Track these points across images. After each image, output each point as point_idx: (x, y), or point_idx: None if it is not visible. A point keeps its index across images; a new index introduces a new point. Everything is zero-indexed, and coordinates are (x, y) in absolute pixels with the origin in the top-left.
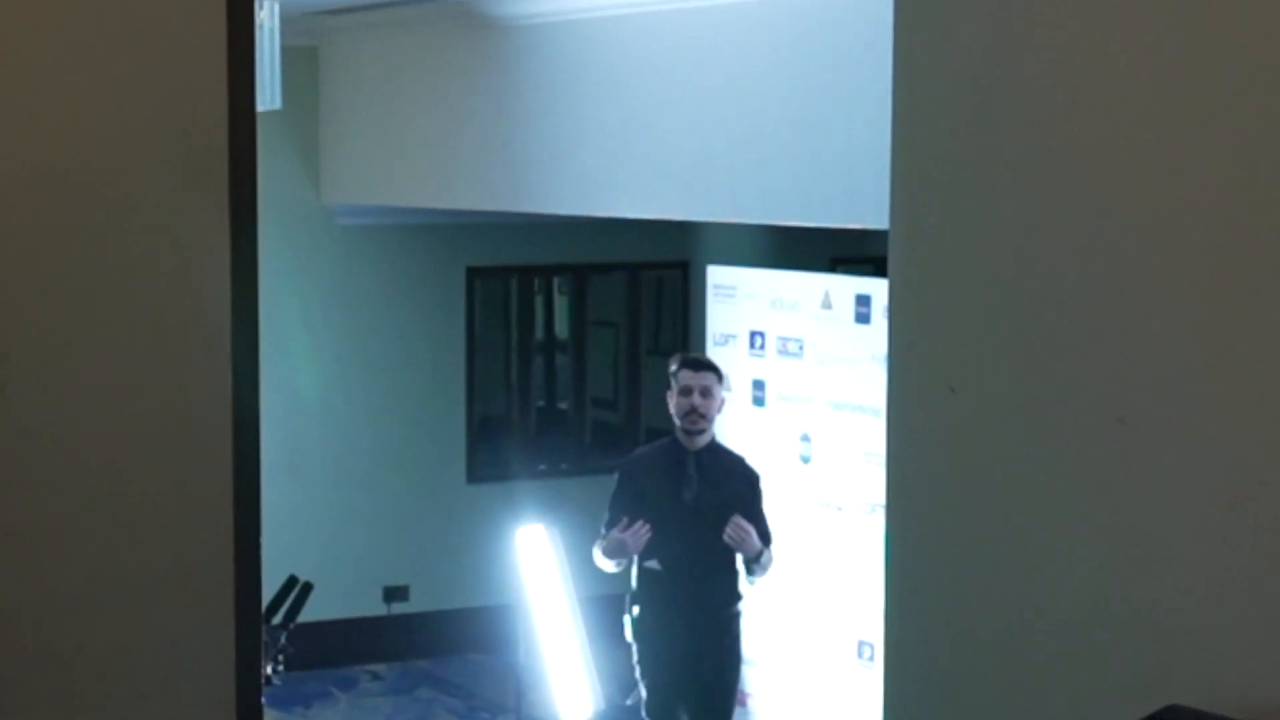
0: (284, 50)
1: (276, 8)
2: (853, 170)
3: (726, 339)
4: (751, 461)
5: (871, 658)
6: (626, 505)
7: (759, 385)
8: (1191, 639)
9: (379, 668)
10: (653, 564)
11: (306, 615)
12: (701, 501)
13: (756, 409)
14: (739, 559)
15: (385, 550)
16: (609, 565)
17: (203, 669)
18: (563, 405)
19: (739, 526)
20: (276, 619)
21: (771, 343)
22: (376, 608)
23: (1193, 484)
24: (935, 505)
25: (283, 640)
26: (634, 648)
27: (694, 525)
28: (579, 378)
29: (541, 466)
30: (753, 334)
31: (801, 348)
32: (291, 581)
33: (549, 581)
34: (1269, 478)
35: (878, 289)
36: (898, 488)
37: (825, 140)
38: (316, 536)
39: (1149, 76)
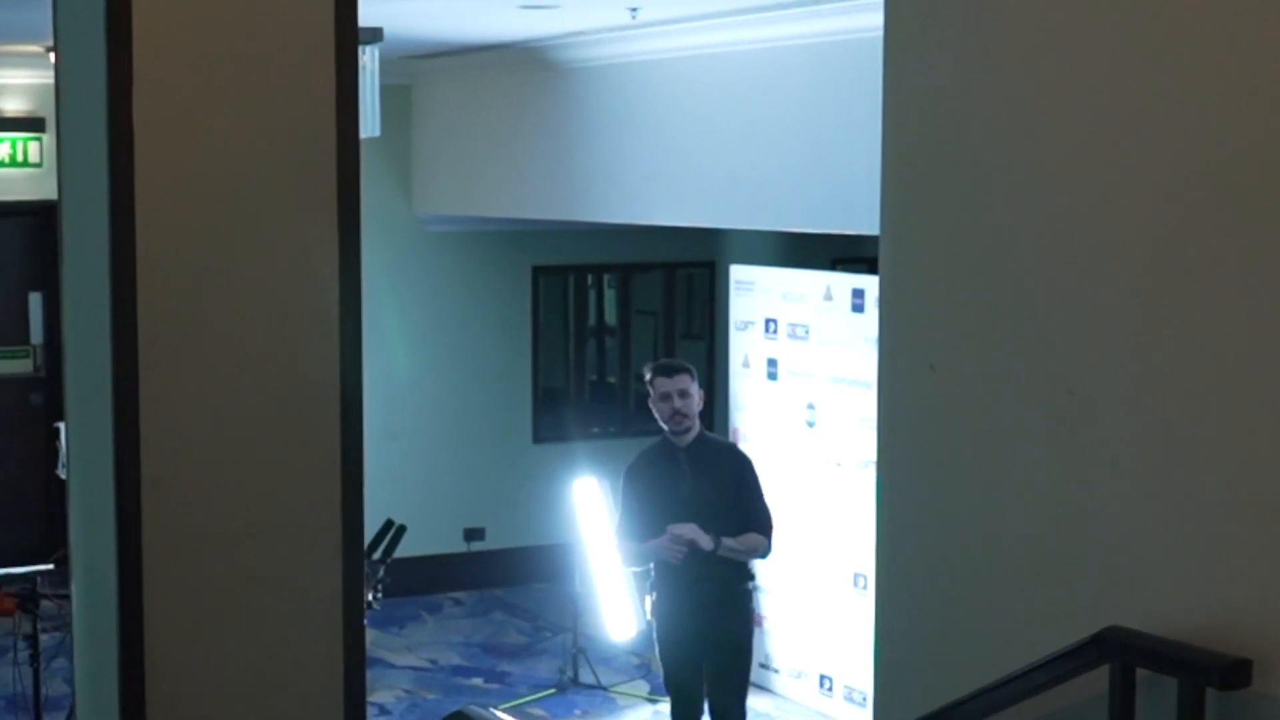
0: (382, 88)
1: (376, 53)
2: (849, 186)
3: (745, 325)
4: (741, 447)
5: (865, 586)
6: (634, 507)
7: (772, 363)
8: (1127, 572)
9: (460, 595)
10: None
11: (401, 552)
12: (697, 492)
13: (770, 383)
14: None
15: (465, 498)
16: (630, 567)
17: (316, 596)
18: (611, 379)
19: (678, 539)
20: (376, 555)
21: (783, 328)
22: (458, 546)
23: (1127, 441)
24: (917, 462)
25: (381, 573)
26: (654, 626)
27: (693, 515)
28: (624, 357)
29: (594, 429)
30: (767, 321)
31: (807, 332)
32: (388, 525)
33: (599, 524)
34: (1189, 435)
35: (870, 284)
36: (886, 447)
37: (827, 161)
38: (409, 488)
39: (1095, 109)
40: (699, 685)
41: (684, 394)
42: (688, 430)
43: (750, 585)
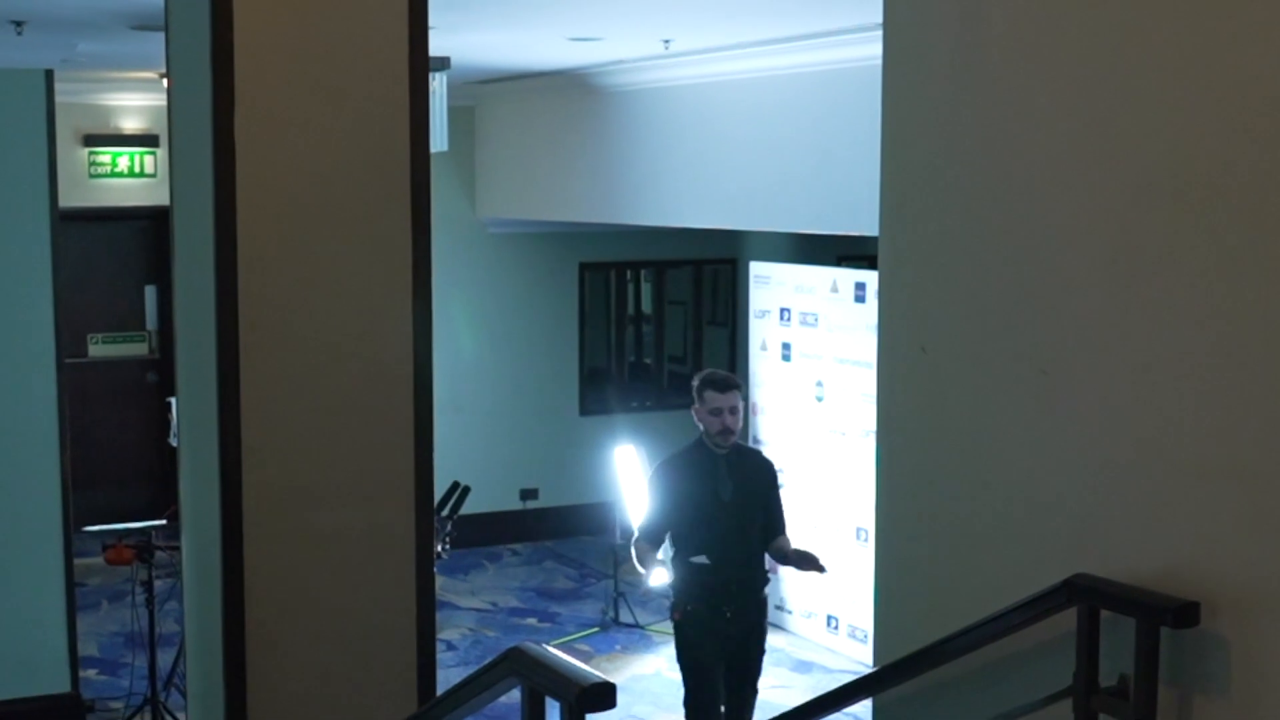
0: (450, 109)
1: (444, 79)
2: (852, 193)
3: (763, 313)
4: (767, 456)
5: (866, 539)
6: (668, 507)
7: (786, 347)
8: (1092, 527)
9: (517, 546)
10: (701, 559)
11: (466, 510)
12: (737, 498)
13: (785, 363)
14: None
15: (521, 463)
16: (641, 569)
17: (392, 548)
18: (647, 360)
19: (779, 551)
20: (444, 512)
21: (795, 316)
22: (515, 504)
23: (1091, 415)
24: (911, 432)
25: (449, 527)
26: (680, 630)
27: (733, 520)
28: (658, 341)
29: (633, 404)
30: (781, 310)
31: (816, 320)
32: (455, 486)
33: (636, 485)
34: (1144, 410)
35: (871, 278)
36: (884, 419)
37: (833, 172)
38: (472, 454)
39: (1063, 130)
40: (720, 681)
41: (734, 410)
42: (727, 445)
43: (765, 596)
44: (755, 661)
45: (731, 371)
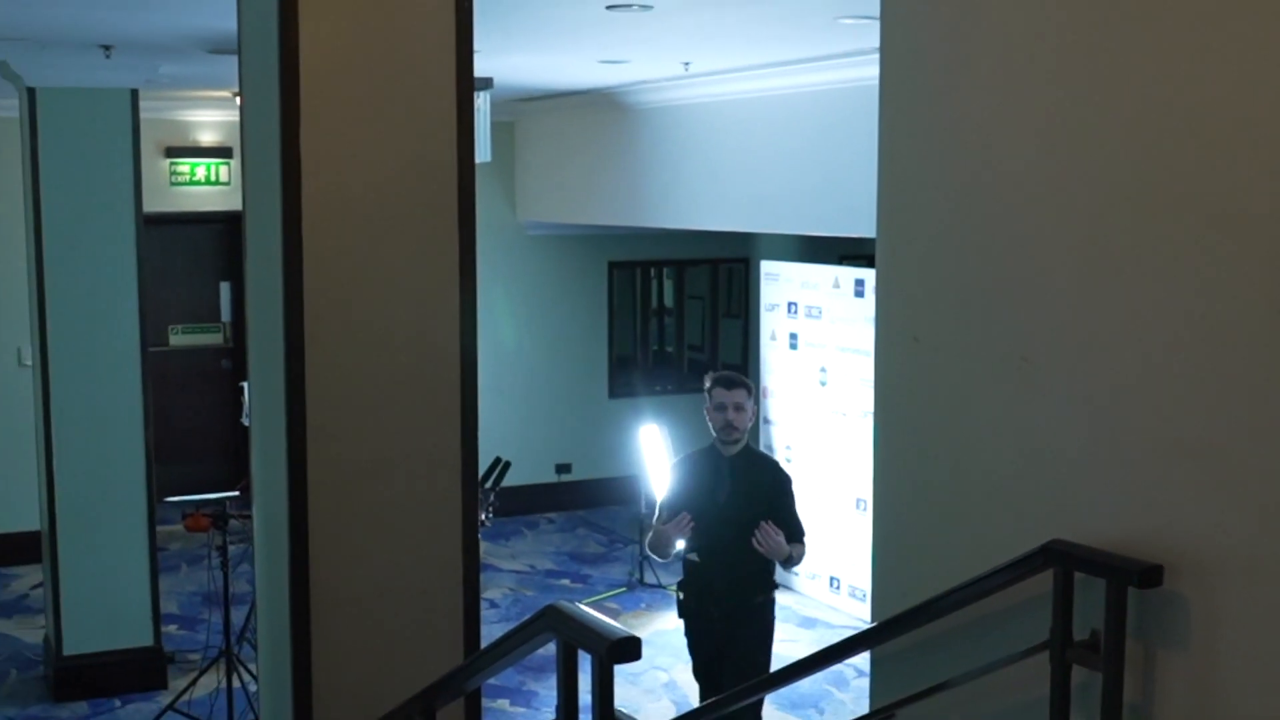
0: (493, 124)
1: (488, 97)
2: (853, 199)
3: (773, 306)
4: (783, 465)
5: (864, 508)
6: (673, 503)
7: (793, 337)
8: (1067, 497)
9: (552, 515)
10: (693, 556)
11: (507, 482)
12: (733, 502)
13: (792, 352)
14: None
15: (556, 441)
16: (657, 557)
17: (441, 516)
18: (669, 349)
19: (766, 533)
20: (488, 485)
21: (801, 309)
22: (551, 477)
23: (1067, 398)
24: (905, 413)
25: (492, 498)
26: (683, 624)
27: (725, 523)
28: (679, 331)
29: (656, 388)
30: (789, 303)
31: (820, 313)
32: (497, 461)
33: (659, 460)
34: (1115, 394)
35: (869, 275)
36: (881, 402)
37: (835, 180)
38: (513, 432)
39: (1042, 141)
40: (712, 672)
41: (739, 408)
42: (736, 442)
43: (773, 595)
44: (750, 665)
45: (744, 359)
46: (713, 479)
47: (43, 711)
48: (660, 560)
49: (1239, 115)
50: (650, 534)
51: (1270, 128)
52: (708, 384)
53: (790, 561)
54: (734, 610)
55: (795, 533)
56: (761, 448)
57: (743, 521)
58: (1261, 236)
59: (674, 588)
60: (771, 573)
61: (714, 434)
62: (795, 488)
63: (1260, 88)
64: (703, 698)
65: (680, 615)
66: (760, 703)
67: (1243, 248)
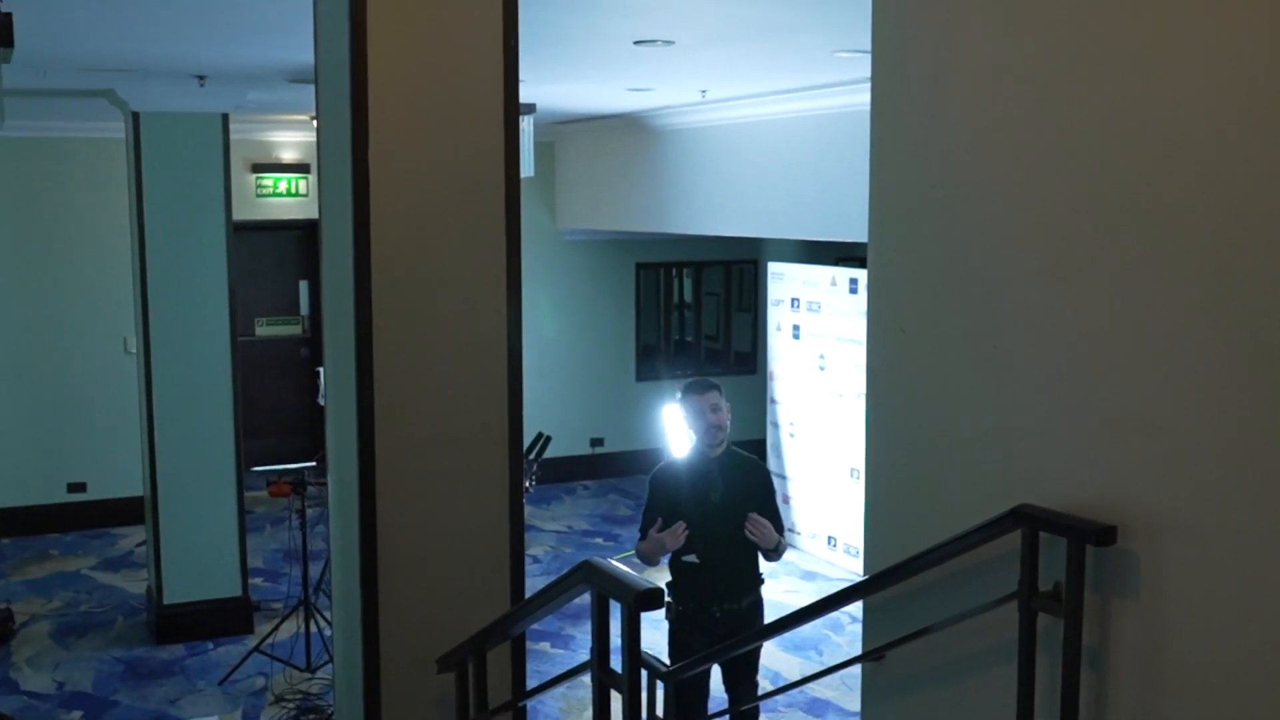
0: (535, 143)
1: (531, 120)
2: (848, 208)
3: (778, 302)
4: (762, 463)
5: (858, 477)
6: (662, 510)
7: (796, 328)
8: (1033, 467)
9: (587, 483)
10: (691, 558)
11: (548, 455)
12: (727, 500)
13: (795, 341)
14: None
15: (591, 418)
16: (645, 564)
17: (490, 484)
18: (688, 339)
19: (756, 522)
20: (531, 456)
21: (803, 304)
22: (586, 450)
23: (1033, 380)
24: (893, 394)
25: (535, 468)
26: (671, 628)
27: (723, 522)
28: (697, 324)
29: (677, 372)
30: (792, 299)
31: (820, 307)
32: (539, 436)
33: (679, 435)
34: (1075, 375)
35: (862, 274)
36: (872, 384)
37: (832, 191)
38: (553, 411)
39: (1016, 156)
40: (706, 681)
41: (716, 408)
42: (721, 443)
43: (761, 592)
44: (750, 657)
45: (753, 348)
46: (704, 482)
47: (146, 653)
48: (648, 567)
49: (1174, 135)
50: (642, 543)
51: (1203, 146)
52: (680, 395)
53: (777, 551)
54: (737, 607)
55: (778, 526)
56: (768, 425)
57: (737, 519)
58: (1196, 241)
59: (668, 599)
60: (759, 570)
61: (701, 440)
62: (794, 506)
63: (1191, 112)
64: (680, 708)
65: (670, 621)
66: (756, 679)
67: (1180, 251)
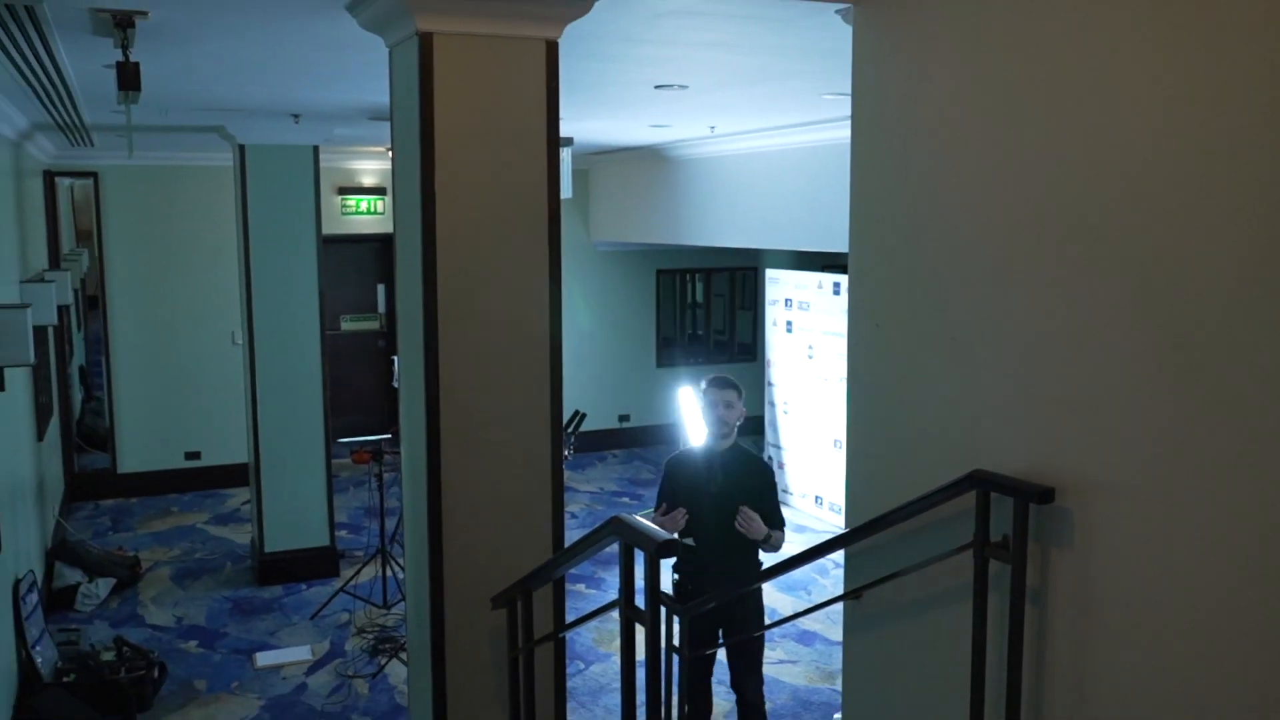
0: (573, 170)
1: (570, 151)
2: (832, 223)
3: (774, 302)
4: (764, 460)
5: (840, 446)
6: (667, 495)
7: (789, 324)
8: (987, 438)
9: (615, 452)
10: (689, 541)
11: (583, 428)
12: (725, 492)
13: (788, 334)
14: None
15: (618, 398)
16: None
17: (535, 453)
18: (700, 332)
19: (745, 515)
20: (569, 430)
21: (795, 304)
22: (615, 424)
23: (987, 366)
24: (869, 379)
25: (572, 440)
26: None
27: (718, 511)
28: (707, 320)
29: (690, 360)
30: (786, 300)
31: (809, 306)
32: (576, 412)
33: (693, 413)
34: (1024, 362)
35: (844, 279)
36: (852, 371)
37: (819, 210)
38: (587, 391)
39: (973, 178)
40: (711, 658)
41: (729, 405)
42: (726, 437)
43: (757, 588)
44: (749, 645)
45: (754, 340)
46: (706, 473)
47: (250, 593)
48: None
49: (1102, 166)
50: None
51: (1124, 175)
52: (703, 385)
53: (769, 543)
54: (732, 593)
55: (776, 521)
56: (765, 404)
57: (730, 511)
58: (1121, 252)
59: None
60: (757, 558)
61: (708, 429)
62: (775, 475)
63: (1115, 145)
64: (702, 676)
65: (676, 594)
66: (760, 666)
67: (1108, 260)
